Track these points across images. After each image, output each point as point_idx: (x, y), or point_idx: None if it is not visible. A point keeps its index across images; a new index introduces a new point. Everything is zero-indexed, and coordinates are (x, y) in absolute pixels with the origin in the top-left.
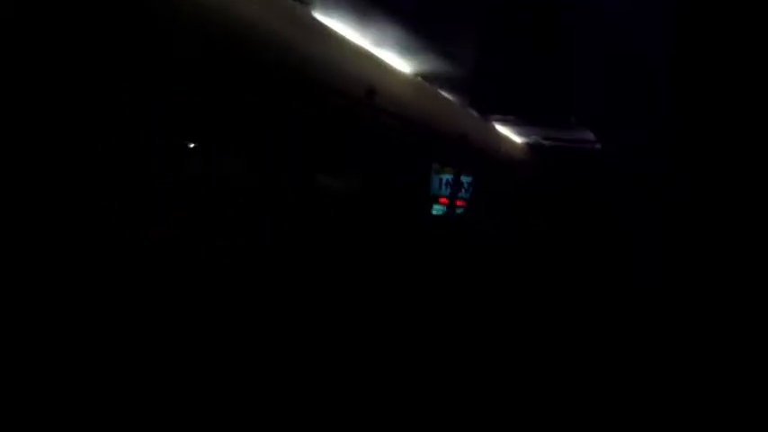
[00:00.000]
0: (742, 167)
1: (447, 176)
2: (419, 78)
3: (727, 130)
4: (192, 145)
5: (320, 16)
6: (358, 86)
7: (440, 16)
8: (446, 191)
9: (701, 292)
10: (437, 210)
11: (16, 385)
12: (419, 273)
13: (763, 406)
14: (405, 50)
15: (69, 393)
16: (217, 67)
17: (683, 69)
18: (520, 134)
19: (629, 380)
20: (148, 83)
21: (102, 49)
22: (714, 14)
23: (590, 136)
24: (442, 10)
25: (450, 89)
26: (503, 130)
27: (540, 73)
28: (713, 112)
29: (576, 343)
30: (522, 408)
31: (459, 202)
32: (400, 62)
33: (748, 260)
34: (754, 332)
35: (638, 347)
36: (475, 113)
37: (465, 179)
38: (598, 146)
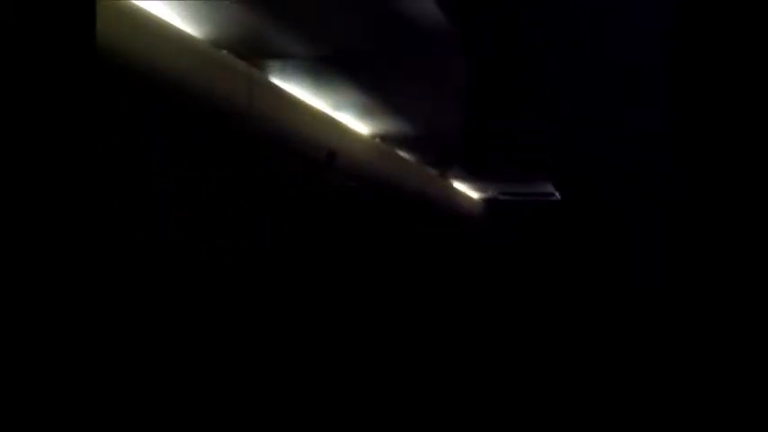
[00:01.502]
0: (743, 167)
1: None
2: (377, 140)
3: (727, 132)
4: None
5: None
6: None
7: (397, 77)
8: None
9: (702, 291)
10: None
11: (15, 386)
12: None
13: (762, 405)
14: (363, 112)
15: (68, 395)
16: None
17: (683, 76)
18: (477, 189)
19: (629, 379)
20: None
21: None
22: (714, 17)
23: (550, 189)
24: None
25: (407, 148)
26: (459, 186)
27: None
28: (713, 125)
29: (576, 342)
30: (521, 407)
31: None
32: (359, 124)
33: (749, 260)
34: (755, 332)
35: (638, 347)
36: (432, 170)
37: None
38: (557, 197)
